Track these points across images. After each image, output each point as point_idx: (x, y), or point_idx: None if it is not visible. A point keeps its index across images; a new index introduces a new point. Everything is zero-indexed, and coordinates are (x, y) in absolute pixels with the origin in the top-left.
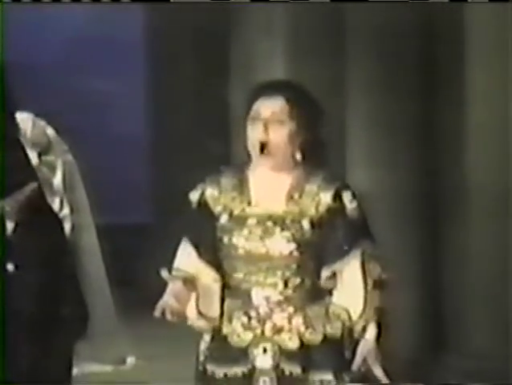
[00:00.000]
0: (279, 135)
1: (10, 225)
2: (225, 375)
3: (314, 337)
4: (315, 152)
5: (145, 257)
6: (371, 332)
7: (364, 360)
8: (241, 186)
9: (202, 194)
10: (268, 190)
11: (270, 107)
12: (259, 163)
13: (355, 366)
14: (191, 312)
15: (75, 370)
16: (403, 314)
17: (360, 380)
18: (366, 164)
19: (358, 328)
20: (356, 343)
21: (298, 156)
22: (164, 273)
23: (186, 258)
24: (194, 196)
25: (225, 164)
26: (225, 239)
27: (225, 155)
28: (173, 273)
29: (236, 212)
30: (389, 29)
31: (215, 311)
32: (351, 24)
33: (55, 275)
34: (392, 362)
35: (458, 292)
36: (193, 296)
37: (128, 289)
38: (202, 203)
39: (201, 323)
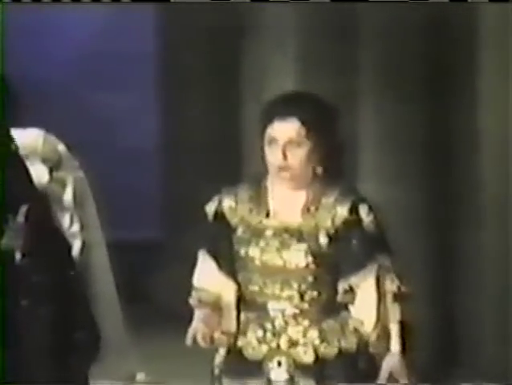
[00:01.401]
0: (297, 157)
1: (17, 255)
2: None
3: (329, 351)
4: (332, 165)
5: (157, 272)
6: (396, 345)
7: (390, 374)
8: (259, 198)
9: (219, 205)
10: (285, 202)
11: (287, 132)
12: (278, 182)
13: (381, 380)
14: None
15: None
16: (416, 328)
17: None
18: (378, 176)
19: (372, 342)
20: (372, 358)
21: (316, 171)
22: (192, 301)
23: (207, 273)
24: (210, 208)
25: (238, 177)
26: (242, 251)
27: (238, 167)
28: (196, 294)
29: (253, 223)
30: (398, 30)
31: (233, 326)
32: (363, 36)
33: (67, 301)
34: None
35: (472, 305)
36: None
37: (139, 305)
38: (219, 214)
39: (221, 340)
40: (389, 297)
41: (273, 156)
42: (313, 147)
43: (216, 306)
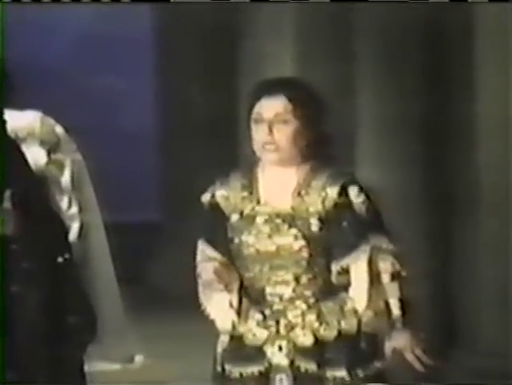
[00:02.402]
0: (284, 135)
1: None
2: (242, 375)
3: (328, 333)
4: (322, 149)
5: (155, 255)
6: (398, 322)
7: (395, 350)
8: (251, 186)
9: (213, 196)
10: (276, 188)
11: (273, 107)
12: (265, 160)
13: (386, 357)
14: (233, 298)
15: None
16: (416, 306)
17: (375, 376)
18: (376, 162)
19: (365, 322)
20: (374, 337)
21: (304, 154)
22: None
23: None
24: (206, 198)
25: (234, 162)
26: (236, 239)
27: (235, 152)
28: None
29: (246, 211)
30: (397, 28)
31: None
32: (359, 24)
33: (62, 286)
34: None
35: (469, 288)
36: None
37: (137, 288)
38: (214, 204)
39: (230, 317)
40: (386, 277)
41: (258, 134)
42: (300, 127)
43: (223, 263)
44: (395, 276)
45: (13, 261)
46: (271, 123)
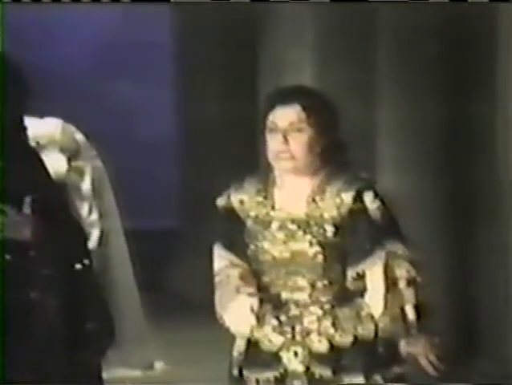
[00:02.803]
0: (299, 143)
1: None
2: (258, 380)
3: (344, 339)
4: (336, 156)
5: (174, 261)
6: (413, 328)
7: (409, 355)
8: (266, 191)
9: (228, 200)
10: (291, 193)
11: (288, 116)
12: (280, 168)
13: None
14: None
15: (103, 375)
16: (434, 312)
17: (394, 381)
18: (396, 166)
19: (381, 327)
20: (392, 342)
21: (319, 161)
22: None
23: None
24: (221, 202)
25: (252, 168)
26: (252, 244)
27: (253, 158)
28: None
29: (261, 216)
30: (417, 32)
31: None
32: (379, 29)
33: (80, 292)
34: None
35: (491, 293)
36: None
37: (157, 294)
38: (229, 209)
39: (249, 322)
40: (402, 283)
41: (273, 142)
42: (314, 135)
43: (245, 269)
44: (410, 282)
45: (32, 267)
46: (286, 132)
